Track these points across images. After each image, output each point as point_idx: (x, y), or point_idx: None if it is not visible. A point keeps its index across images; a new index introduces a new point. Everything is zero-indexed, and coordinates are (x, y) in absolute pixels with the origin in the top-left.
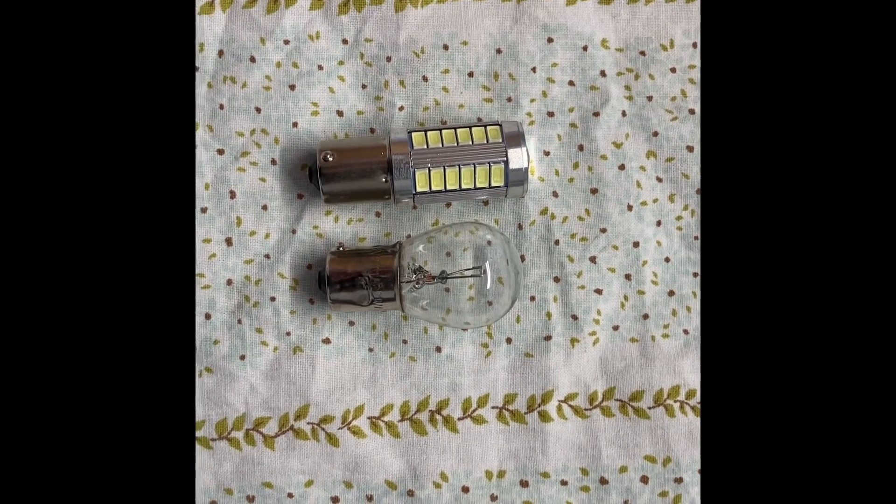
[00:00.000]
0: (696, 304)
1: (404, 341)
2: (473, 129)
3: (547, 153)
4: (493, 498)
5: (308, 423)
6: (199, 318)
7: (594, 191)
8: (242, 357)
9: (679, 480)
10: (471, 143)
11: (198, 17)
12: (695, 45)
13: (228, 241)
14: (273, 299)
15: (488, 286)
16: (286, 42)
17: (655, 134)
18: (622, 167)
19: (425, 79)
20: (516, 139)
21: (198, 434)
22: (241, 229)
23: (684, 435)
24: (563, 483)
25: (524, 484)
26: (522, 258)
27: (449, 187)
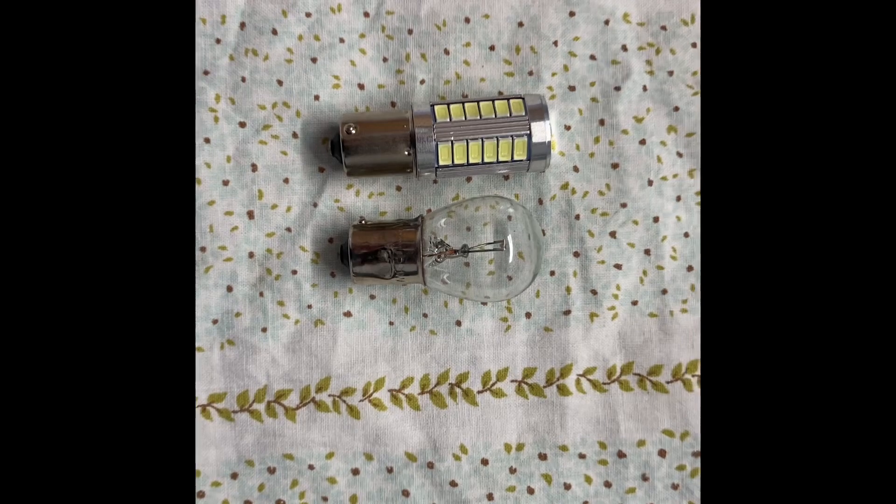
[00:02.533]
0: None
1: (425, 315)
2: (496, 102)
3: (568, 127)
4: (512, 471)
5: (329, 396)
6: (220, 291)
7: (615, 165)
8: (264, 329)
9: (697, 454)
10: (493, 116)
11: None
12: None
13: (250, 214)
14: (295, 272)
15: (510, 260)
16: (308, 15)
17: (676, 109)
18: (643, 142)
19: (447, 52)
20: (539, 112)
21: (219, 406)
22: (263, 202)
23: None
24: (582, 456)
25: (542, 457)
26: (543, 233)
27: (471, 161)
